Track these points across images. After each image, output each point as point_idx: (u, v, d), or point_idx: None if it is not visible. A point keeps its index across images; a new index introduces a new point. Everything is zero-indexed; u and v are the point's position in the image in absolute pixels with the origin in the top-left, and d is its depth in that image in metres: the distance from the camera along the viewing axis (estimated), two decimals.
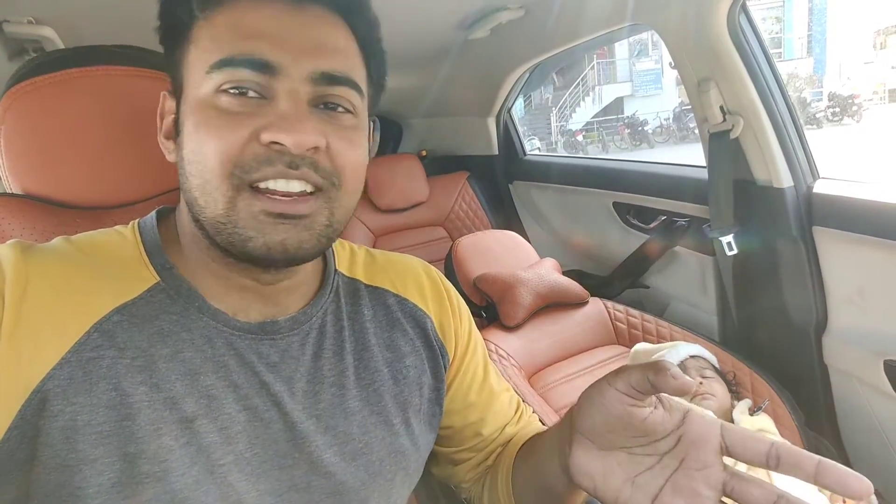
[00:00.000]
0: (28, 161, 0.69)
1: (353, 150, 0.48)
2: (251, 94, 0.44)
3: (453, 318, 0.64)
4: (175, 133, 0.48)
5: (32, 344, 0.42)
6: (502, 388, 0.68)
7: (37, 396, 0.41)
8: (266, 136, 0.42)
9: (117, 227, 0.52)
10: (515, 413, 0.68)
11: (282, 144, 0.43)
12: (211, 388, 0.47)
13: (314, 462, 0.50)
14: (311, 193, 0.45)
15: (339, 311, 0.57)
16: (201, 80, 0.44)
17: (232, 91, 0.43)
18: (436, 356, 0.62)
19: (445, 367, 0.63)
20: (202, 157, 0.43)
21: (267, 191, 0.43)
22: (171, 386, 0.45)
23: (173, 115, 0.49)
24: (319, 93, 0.46)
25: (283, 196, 0.44)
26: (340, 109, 0.47)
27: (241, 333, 0.49)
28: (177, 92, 0.48)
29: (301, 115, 0.44)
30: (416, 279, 0.64)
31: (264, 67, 0.43)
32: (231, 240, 0.44)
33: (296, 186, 0.44)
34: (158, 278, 0.48)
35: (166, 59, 0.49)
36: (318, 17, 0.46)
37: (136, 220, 0.53)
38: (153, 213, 0.53)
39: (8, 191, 0.71)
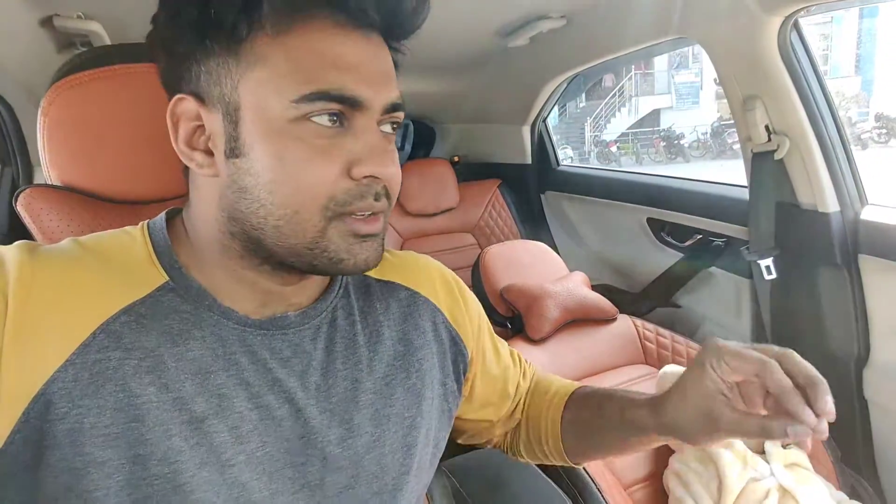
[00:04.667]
0: (69, 154, 0.70)
1: (398, 168, 0.50)
2: (333, 122, 0.45)
3: (465, 307, 0.66)
4: (230, 152, 0.45)
5: (37, 346, 0.41)
6: (505, 349, 0.73)
7: (41, 399, 0.40)
8: (360, 171, 0.45)
9: (127, 227, 0.52)
10: (519, 366, 0.73)
11: (376, 178, 0.46)
12: (222, 387, 0.46)
13: (327, 458, 0.50)
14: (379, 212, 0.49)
15: (350, 306, 0.57)
16: (284, 106, 0.43)
17: (317, 121, 0.44)
18: (449, 349, 0.63)
19: (465, 356, 0.64)
20: (293, 189, 0.44)
21: (352, 215, 0.46)
22: (181, 386, 0.45)
23: (198, 123, 0.46)
24: (384, 119, 0.48)
25: (364, 218, 0.47)
26: (392, 130, 0.50)
27: (253, 329, 0.49)
28: (222, 105, 0.45)
29: (386, 147, 0.47)
30: (426, 273, 0.65)
31: (352, 102, 0.44)
32: (316, 262, 0.47)
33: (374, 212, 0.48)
34: (167, 277, 0.48)
35: (183, 58, 0.45)
36: (379, 44, 0.48)
37: (146, 221, 0.52)
38: (163, 213, 0.53)
39: (48, 182, 0.72)
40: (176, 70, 0.46)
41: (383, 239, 0.51)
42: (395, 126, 0.50)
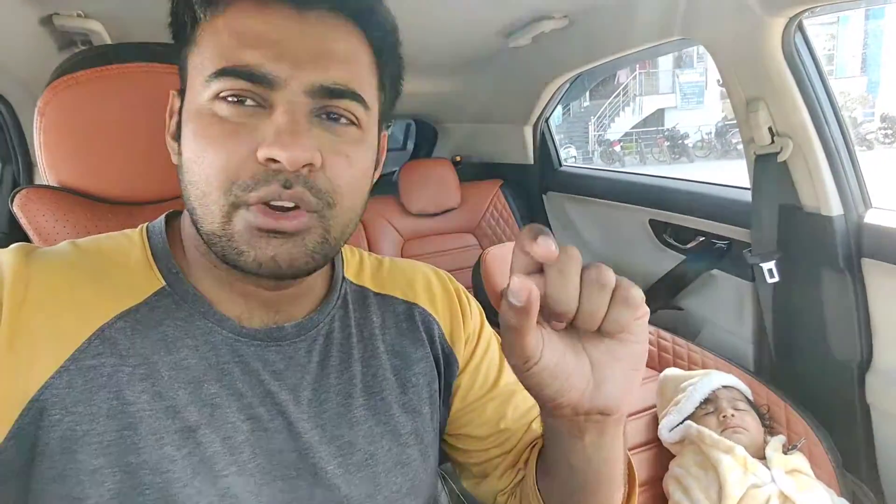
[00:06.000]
0: (66, 154, 0.70)
1: (351, 167, 0.45)
2: (249, 102, 0.42)
3: (464, 320, 0.62)
4: (177, 136, 0.47)
5: (31, 351, 0.41)
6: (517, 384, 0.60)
7: (35, 405, 0.40)
8: (262, 153, 0.41)
9: (126, 230, 0.52)
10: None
11: (277, 161, 0.41)
12: (214, 397, 0.46)
13: (318, 473, 0.49)
14: (299, 208, 0.43)
15: (347, 319, 0.56)
16: (201, 86, 0.43)
17: (230, 99, 0.42)
18: (443, 363, 0.60)
19: (454, 373, 0.61)
20: (201, 167, 0.42)
21: (258, 204, 0.42)
22: (174, 394, 0.44)
23: (177, 118, 0.48)
24: (319, 105, 0.44)
25: (275, 210, 0.42)
26: (343, 122, 0.45)
27: (247, 340, 0.48)
28: (182, 94, 0.47)
29: (297, 130, 0.42)
30: (426, 284, 0.63)
31: (261, 80, 0.42)
32: (224, 252, 0.44)
33: (287, 204, 0.43)
34: (164, 283, 0.47)
35: (179, 58, 0.48)
36: (323, 22, 0.44)
37: (146, 224, 0.52)
38: (162, 216, 0.52)
39: (45, 182, 0.72)
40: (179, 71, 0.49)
41: (320, 241, 0.45)
42: (339, 118, 0.45)
